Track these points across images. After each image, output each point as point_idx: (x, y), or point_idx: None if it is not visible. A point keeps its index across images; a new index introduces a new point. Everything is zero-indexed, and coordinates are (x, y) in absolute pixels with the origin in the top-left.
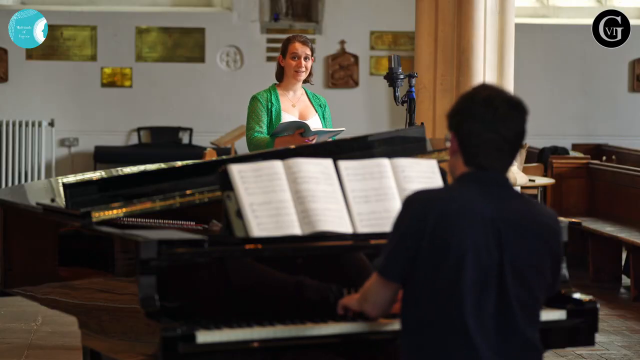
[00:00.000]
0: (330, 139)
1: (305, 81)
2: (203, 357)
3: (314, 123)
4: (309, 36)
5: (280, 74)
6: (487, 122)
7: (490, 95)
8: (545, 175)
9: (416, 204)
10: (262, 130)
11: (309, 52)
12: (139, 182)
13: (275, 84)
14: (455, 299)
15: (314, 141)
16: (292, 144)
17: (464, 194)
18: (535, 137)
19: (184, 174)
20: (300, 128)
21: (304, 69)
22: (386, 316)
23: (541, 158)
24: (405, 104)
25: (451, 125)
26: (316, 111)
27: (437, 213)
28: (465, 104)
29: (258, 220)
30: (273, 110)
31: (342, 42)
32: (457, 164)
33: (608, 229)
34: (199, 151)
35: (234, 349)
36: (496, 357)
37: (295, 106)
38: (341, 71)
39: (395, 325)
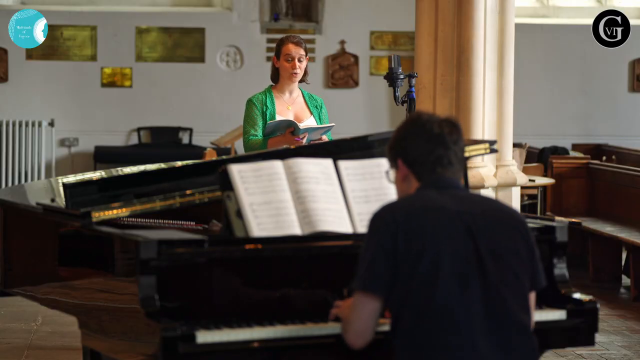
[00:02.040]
0: (322, 136)
1: (300, 80)
2: (203, 357)
3: (309, 124)
4: (309, 36)
5: (276, 76)
6: (433, 140)
7: (429, 118)
8: (545, 175)
9: (383, 214)
10: (257, 134)
11: (302, 52)
12: (139, 182)
13: (271, 85)
14: (440, 293)
15: (304, 139)
16: (284, 143)
17: (425, 195)
18: (535, 137)
19: (184, 174)
20: (290, 127)
21: (298, 70)
22: (384, 316)
23: (541, 158)
24: (405, 104)
25: (397, 154)
26: (311, 113)
27: (404, 214)
28: (406, 130)
29: (258, 220)
30: (268, 113)
31: (342, 42)
32: (410, 186)
33: (608, 229)
34: (199, 151)
35: (234, 349)
36: (490, 343)
37: (290, 108)
38: (341, 71)
39: None
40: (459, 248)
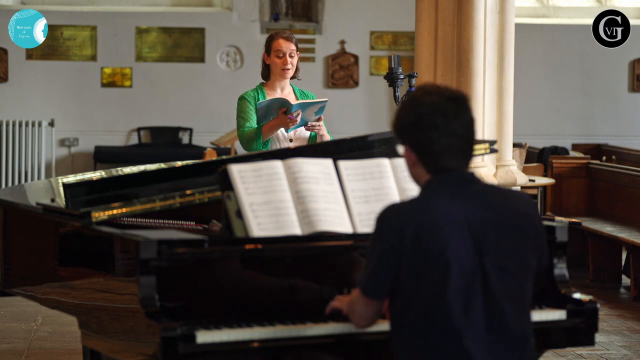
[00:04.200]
0: (316, 115)
1: (292, 77)
2: (203, 357)
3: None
4: (309, 36)
5: (266, 73)
6: (441, 128)
7: (433, 101)
8: (545, 175)
9: (391, 220)
10: (251, 126)
11: (293, 47)
12: (139, 182)
13: (262, 83)
14: (443, 306)
15: (299, 117)
16: (279, 125)
17: (435, 202)
18: (535, 137)
19: (184, 174)
20: (282, 106)
21: (290, 66)
22: (385, 317)
23: (541, 158)
24: None
25: (403, 140)
26: None
27: (413, 226)
28: (412, 116)
29: (258, 220)
30: None
31: (342, 42)
32: (420, 173)
33: (608, 229)
34: (199, 151)
35: (234, 349)
36: (488, 355)
37: None
38: (341, 71)
39: None
40: (466, 264)
